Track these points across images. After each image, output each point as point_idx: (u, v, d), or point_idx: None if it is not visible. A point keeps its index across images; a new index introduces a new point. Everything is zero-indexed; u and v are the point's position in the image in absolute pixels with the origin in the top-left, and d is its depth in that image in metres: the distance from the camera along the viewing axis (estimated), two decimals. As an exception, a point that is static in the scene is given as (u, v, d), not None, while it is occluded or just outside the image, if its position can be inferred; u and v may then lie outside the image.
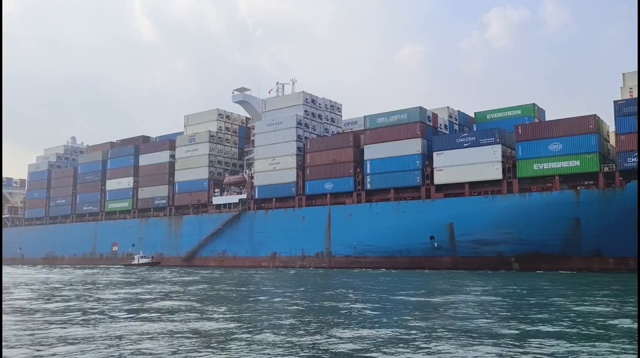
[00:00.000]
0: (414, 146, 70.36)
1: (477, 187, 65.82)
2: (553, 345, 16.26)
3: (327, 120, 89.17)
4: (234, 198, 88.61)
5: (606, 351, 15.52)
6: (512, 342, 16.84)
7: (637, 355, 14.98)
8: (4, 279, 55.34)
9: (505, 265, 63.33)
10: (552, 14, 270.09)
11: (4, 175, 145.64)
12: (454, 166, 66.86)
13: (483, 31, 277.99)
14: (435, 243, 67.52)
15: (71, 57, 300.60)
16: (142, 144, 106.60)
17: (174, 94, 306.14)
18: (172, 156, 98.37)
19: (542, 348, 15.91)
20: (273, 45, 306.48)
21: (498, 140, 64.33)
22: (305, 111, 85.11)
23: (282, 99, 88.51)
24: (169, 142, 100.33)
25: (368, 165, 74.00)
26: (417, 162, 70.01)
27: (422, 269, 66.39)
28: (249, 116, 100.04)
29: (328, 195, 77.47)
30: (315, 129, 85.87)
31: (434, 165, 68.59)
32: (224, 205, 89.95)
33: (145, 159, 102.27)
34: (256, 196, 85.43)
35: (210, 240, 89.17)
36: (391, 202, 71.50)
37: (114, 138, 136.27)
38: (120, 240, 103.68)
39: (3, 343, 16.55)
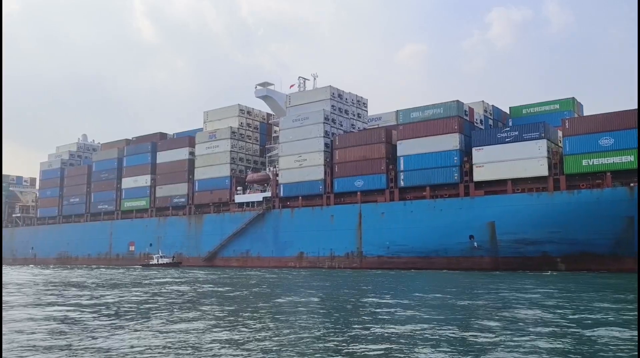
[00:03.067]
0: (451, 142, 67.38)
1: (521, 184, 62.86)
2: None
3: (354, 115, 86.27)
4: (257, 196, 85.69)
5: None
6: None
7: (637, 356, 14.87)
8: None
9: (550, 266, 60.37)
10: (555, 13, 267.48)
11: (14, 174, 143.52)
12: (495, 162, 63.87)
13: (484, 31, 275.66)
14: (475, 243, 64.61)
15: (71, 57, 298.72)
16: (159, 141, 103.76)
17: (174, 94, 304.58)
18: (192, 153, 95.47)
19: None
20: (273, 45, 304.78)
21: (543, 135, 61.34)
22: (332, 106, 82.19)
23: (308, 93, 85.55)
24: (187, 139, 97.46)
25: (402, 161, 71.05)
26: (455, 158, 67.05)
27: (459, 270, 63.56)
28: (269, 111, 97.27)
29: (358, 193, 74.52)
30: (342, 125, 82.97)
31: (474, 161, 65.59)
32: (247, 203, 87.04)
33: (163, 157, 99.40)
34: (281, 194, 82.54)
35: (233, 239, 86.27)
36: (427, 200, 68.55)
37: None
38: (137, 239, 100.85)
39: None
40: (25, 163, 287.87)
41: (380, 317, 23.52)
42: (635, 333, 18.19)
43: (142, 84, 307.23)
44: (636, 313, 23.25)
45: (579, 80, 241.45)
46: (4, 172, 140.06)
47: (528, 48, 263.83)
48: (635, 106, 57.51)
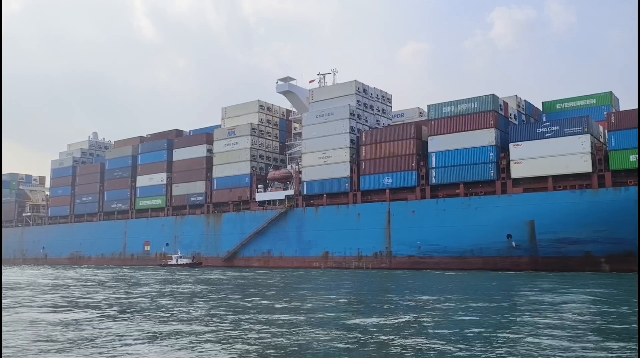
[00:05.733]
0: (486, 137, 64.79)
1: (562, 181, 60.25)
2: None
3: (378, 111, 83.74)
4: (279, 194, 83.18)
5: None
6: None
7: (637, 356, 14.72)
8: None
9: (593, 266, 57.80)
10: (557, 13, 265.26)
11: (22, 172, 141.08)
12: (535, 158, 61.31)
13: (486, 31, 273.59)
14: (513, 242, 62.05)
15: (73, 56, 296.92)
16: (175, 138, 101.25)
17: (176, 94, 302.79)
18: (210, 151, 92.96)
19: None
20: (275, 44, 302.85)
21: (586, 129, 58.74)
22: (358, 101, 79.65)
23: (332, 88, 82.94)
24: (205, 136, 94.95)
25: (433, 158, 68.49)
26: (491, 154, 64.49)
27: (496, 270, 61.09)
28: (290, 107, 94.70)
29: (387, 191, 71.95)
30: (367, 121, 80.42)
31: (511, 157, 62.99)
32: (268, 202, 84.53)
33: (179, 154, 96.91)
34: (304, 192, 79.98)
35: (254, 238, 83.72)
36: (461, 197, 66.02)
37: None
38: (152, 238, 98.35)
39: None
40: (23, 162, 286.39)
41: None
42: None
43: (143, 83, 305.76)
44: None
45: (580, 80, 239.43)
46: (13, 171, 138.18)
47: (530, 48, 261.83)
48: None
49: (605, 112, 61.38)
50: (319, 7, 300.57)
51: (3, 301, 29.85)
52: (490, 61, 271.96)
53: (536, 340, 16.89)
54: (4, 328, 19.03)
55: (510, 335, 17.98)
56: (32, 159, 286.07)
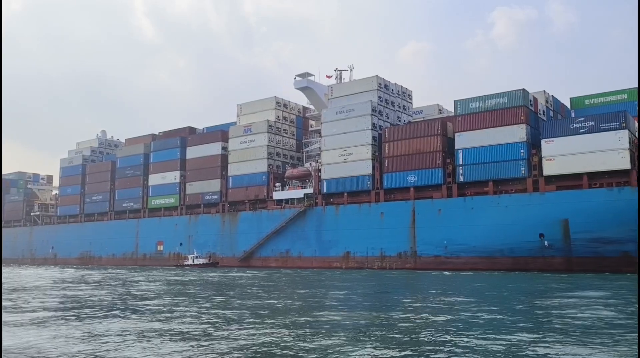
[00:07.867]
0: (517, 133, 62.65)
1: (597, 178, 58.15)
2: None
3: (399, 107, 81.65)
4: (298, 193, 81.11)
5: None
6: None
7: (637, 356, 14.56)
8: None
9: (631, 267, 55.59)
10: (558, 13, 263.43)
11: (30, 171, 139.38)
12: (568, 154, 59.18)
13: (487, 31, 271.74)
14: (546, 242, 59.93)
15: (73, 56, 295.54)
16: (188, 135, 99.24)
17: (176, 94, 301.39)
18: (225, 148, 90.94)
19: None
20: (275, 43, 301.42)
21: (624, 125, 56.62)
22: (379, 97, 77.58)
23: (352, 84, 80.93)
24: (220, 133, 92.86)
25: (460, 155, 66.38)
26: (522, 151, 62.36)
27: (527, 271, 59.01)
28: (305, 104, 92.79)
29: (411, 189, 69.86)
30: (388, 117, 78.35)
31: (543, 154, 60.86)
32: (286, 200, 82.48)
33: (193, 152, 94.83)
34: (324, 191, 77.90)
35: (271, 238, 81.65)
36: (490, 196, 63.92)
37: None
38: (166, 238, 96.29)
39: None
40: (23, 162, 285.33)
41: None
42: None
43: (143, 83, 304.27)
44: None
45: (581, 80, 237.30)
46: (21, 169, 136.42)
47: (531, 48, 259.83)
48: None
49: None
50: (319, 7, 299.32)
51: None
52: (491, 61, 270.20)
53: None
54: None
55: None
56: (32, 159, 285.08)
